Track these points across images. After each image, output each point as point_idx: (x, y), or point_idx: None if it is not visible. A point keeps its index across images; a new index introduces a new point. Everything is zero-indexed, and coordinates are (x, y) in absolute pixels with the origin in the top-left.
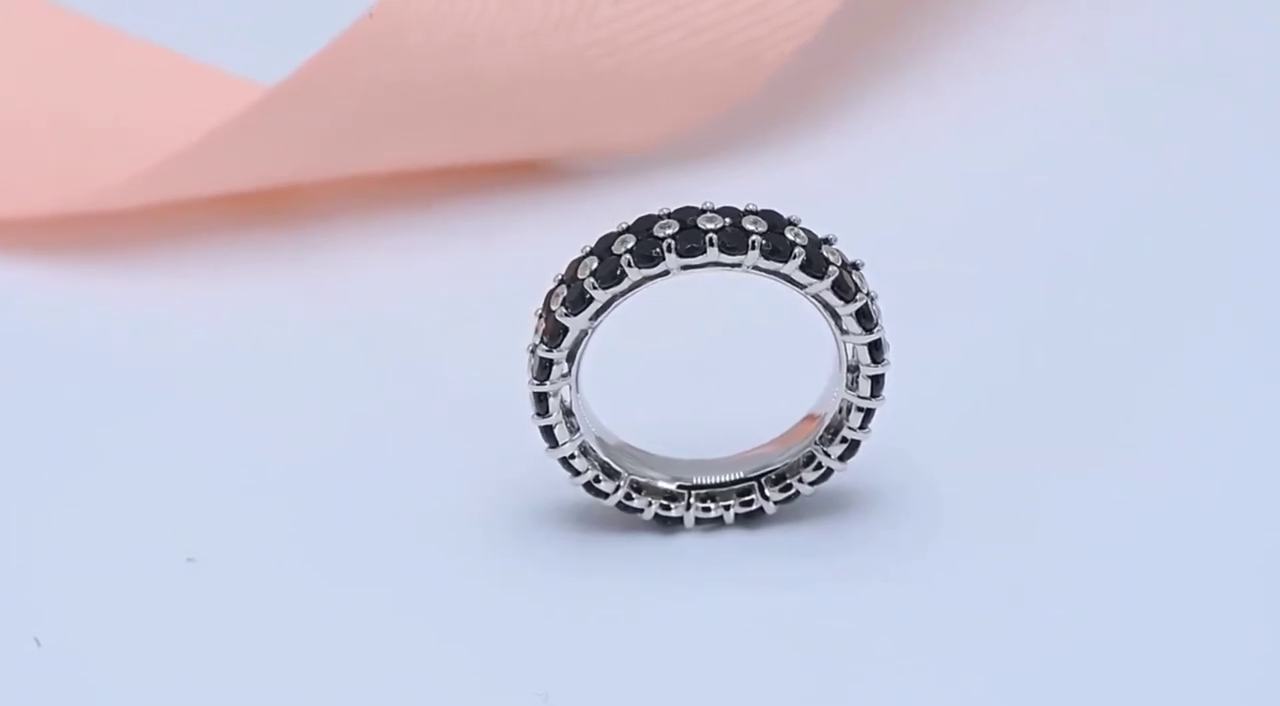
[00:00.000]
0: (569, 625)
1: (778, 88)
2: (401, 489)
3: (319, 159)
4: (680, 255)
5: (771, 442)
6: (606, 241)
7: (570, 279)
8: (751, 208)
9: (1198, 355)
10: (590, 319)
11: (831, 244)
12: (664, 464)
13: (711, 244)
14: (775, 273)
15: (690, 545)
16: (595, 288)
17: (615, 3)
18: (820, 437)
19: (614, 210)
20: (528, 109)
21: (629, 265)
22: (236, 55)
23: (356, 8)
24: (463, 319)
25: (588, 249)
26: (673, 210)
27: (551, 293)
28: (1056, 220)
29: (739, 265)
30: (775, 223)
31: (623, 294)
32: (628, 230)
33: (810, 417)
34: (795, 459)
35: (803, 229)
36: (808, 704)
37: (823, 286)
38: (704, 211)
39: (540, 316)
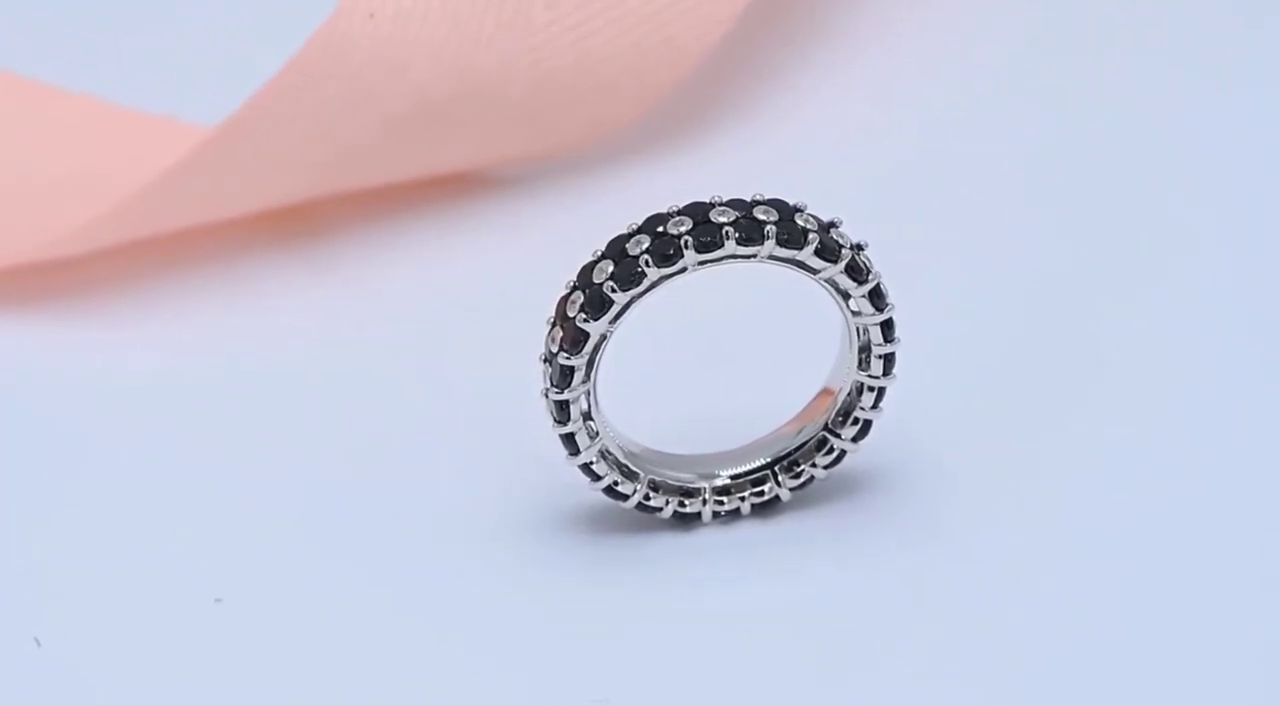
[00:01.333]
0: (609, 629)
1: (690, 84)
2: (412, 502)
3: (273, 189)
4: (698, 251)
5: (790, 422)
6: (619, 244)
7: (585, 284)
8: (758, 198)
9: (1198, 321)
10: (610, 322)
11: (837, 226)
12: (686, 462)
13: (728, 237)
14: (791, 260)
15: (708, 539)
16: (614, 290)
17: (549, 7)
18: (832, 420)
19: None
20: (468, 121)
21: (647, 265)
22: (171, 101)
23: (286, 44)
24: (444, 334)
25: (599, 253)
26: (681, 207)
27: (566, 299)
28: (998, 191)
29: (754, 256)
30: (784, 211)
31: (641, 295)
32: (639, 231)
33: (826, 392)
34: (809, 439)
35: (810, 215)
36: (830, 688)
37: (836, 270)
38: (713, 206)
39: (555, 324)
